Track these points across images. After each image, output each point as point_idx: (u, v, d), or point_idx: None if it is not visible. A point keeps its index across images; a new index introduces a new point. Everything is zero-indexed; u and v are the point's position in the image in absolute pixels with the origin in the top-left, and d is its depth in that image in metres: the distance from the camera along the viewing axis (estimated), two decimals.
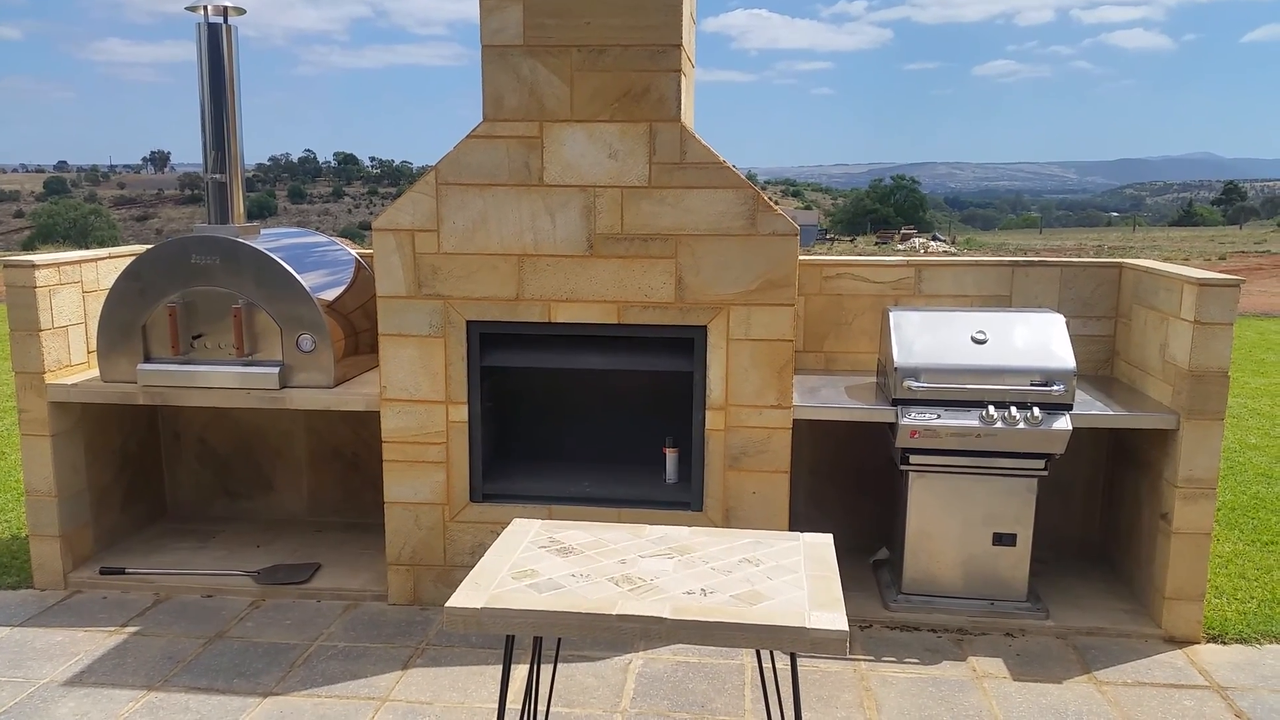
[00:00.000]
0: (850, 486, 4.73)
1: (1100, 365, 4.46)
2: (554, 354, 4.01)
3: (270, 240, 4.42)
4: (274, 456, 5.11)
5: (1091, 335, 4.43)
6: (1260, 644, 3.86)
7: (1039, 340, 3.89)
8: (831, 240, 41.42)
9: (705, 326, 3.88)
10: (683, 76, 3.79)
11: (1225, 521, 5.21)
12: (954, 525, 4.03)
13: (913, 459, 3.98)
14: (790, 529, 4.62)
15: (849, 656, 3.77)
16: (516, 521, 2.88)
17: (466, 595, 2.34)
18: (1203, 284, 3.59)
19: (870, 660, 3.75)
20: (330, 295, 4.37)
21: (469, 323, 3.98)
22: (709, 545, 2.70)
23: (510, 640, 2.40)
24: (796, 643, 2.21)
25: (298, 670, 3.67)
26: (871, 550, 4.61)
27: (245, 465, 5.13)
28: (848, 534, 4.76)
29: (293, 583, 4.34)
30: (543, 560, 2.59)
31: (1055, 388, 3.76)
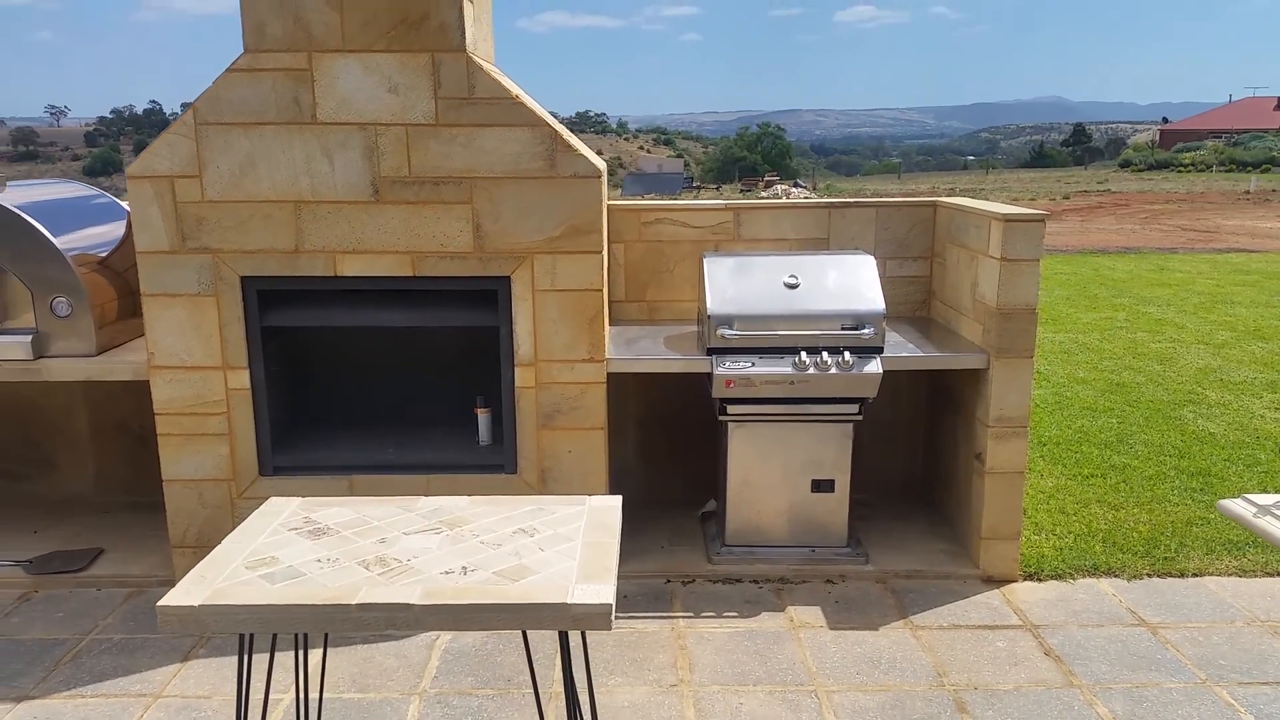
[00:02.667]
0: (680, 438, 4.59)
1: (917, 306, 4.41)
2: (342, 311, 3.68)
3: (19, 194, 3.91)
4: (53, 433, 4.62)
5: (908, 276, 4.37)
6: (1074, 579, 3.90)
7: (850, 283, 3.78)
8: (698, 189, 41.47)
9: (509, 277, 3.62)
10: (468, 3, 3.46)
11: (1050, 457, 5.32)
12: (774, 474, 3.93)
13: (730, 409, 3.84)
14: (615, 486, 4.45)
15: (669, 614, 3.64)
16: (271, 501, 2.59)
17: (185, 592, 2.04)
18: (1008, 220, 3.53)
19: (689, 617, 3.62)
20: (94, 254, 3.91)
21: (244, 279, 3.61)
22: (485, 516, 2.47)
23: (247, 639, 2.13)
24: (558, 620, 2.01)
25: (63, 668, 3.29)
26: (703, 503, 4.49)
27: (21, 444, 4.62)
28: (679, 486, 4.62)
29: (69, 571, 3.93)
30: (288, 545, 2.30)
31: (865, 331, 3.67)
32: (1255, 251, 14.79)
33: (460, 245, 3.57)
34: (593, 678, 3.21)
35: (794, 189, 34.20)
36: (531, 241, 3.57)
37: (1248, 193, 28.58)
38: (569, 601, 2.00)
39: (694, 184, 44.63)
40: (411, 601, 2.02)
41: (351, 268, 3.59)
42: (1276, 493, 2.71)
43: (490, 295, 3.66)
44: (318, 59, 3.44)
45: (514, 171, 3.51)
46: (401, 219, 3.55)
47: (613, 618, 2.01)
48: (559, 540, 2.31)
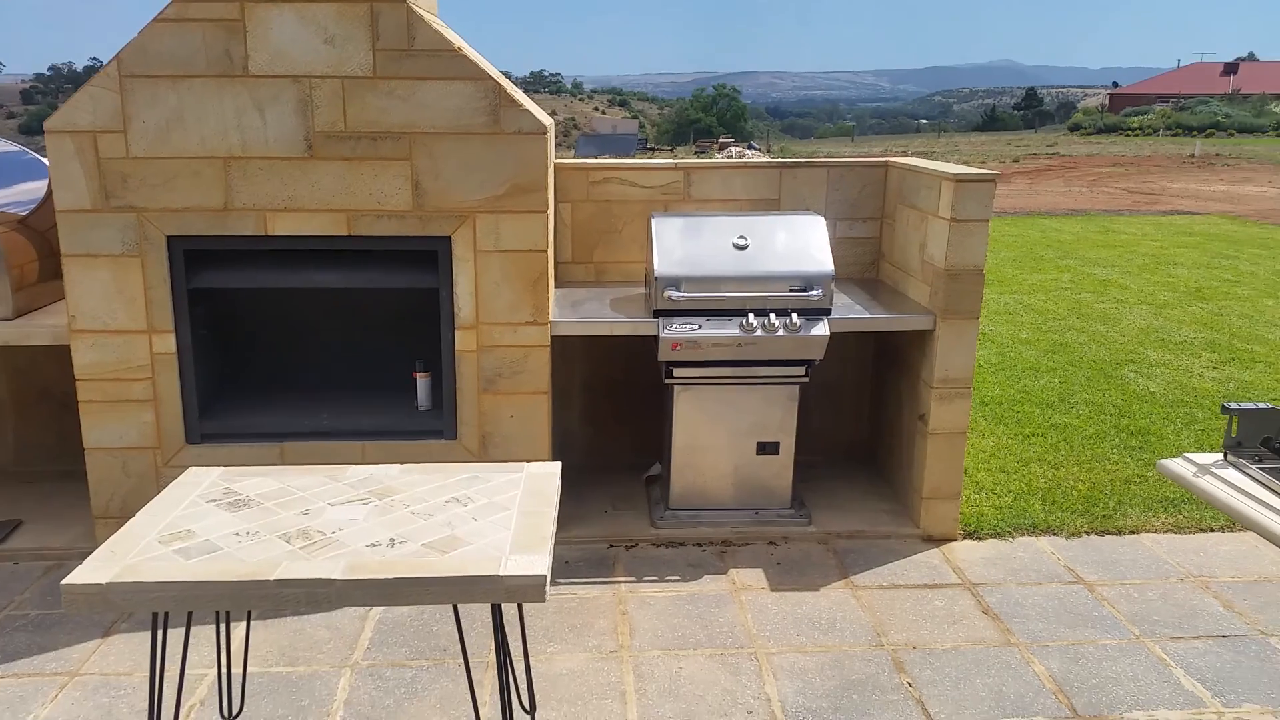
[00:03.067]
0: (627, 401, 4.54)
1: (866, 268, 4.39)
2: (274, 272, 3.56)
3: None
4: None
5: (858, 237, 4.34)
6: (1013, 537, 3.95)
7: (799, 244, 3.74)
8: (652, 150, 41.19)
9: (450, 237, 3.52)
10: None
11: (992, 416, 5.36)
12: (719, 437, 3.90)
13: (676, 372, 3.79)
14: (560, 451, 4.40)
15: (610, 579, 3.61)
16: (190, 471, 2.50)
17: (92, 569, 1.95)
18: (959, 180, 3.50)
19: (631, 581, 3.60)
20: (13, 213, 3.74)
21: (170, 238, 3.47)
22: (416, 485, 2.40)
23: (161, 617, 2.05)
24: (490, 593, 1.96)
25: None
26: (648, 467, 4.46)
27: None
28: (625, 450, 4.59)
29: None
30: (206, 518, 2.22)
31: (813, 292, 3.63)
32: (1198, 214, 15.06)
33: (399, 203, 3.46)
34: (531, 646, 3.18)
35: (748, 151, 34.09)
36: (474, 200, 3.48)
37: (1192, 156, 29.07)
38: (501, 574, 1.96)
39: (649, 145, 44.33)
40: (334, 576, 1.96)
41: (284, 227, 3.47)
42: (1215, 451, 2.73)
43: (430, 256, 3.56)
44: (250, 8, 3.28)
45: (456, 127, 3.40)
46: (337, 176, 3.43)
47: (547, 589, 1.97)
48: (493, 510, 2.26)
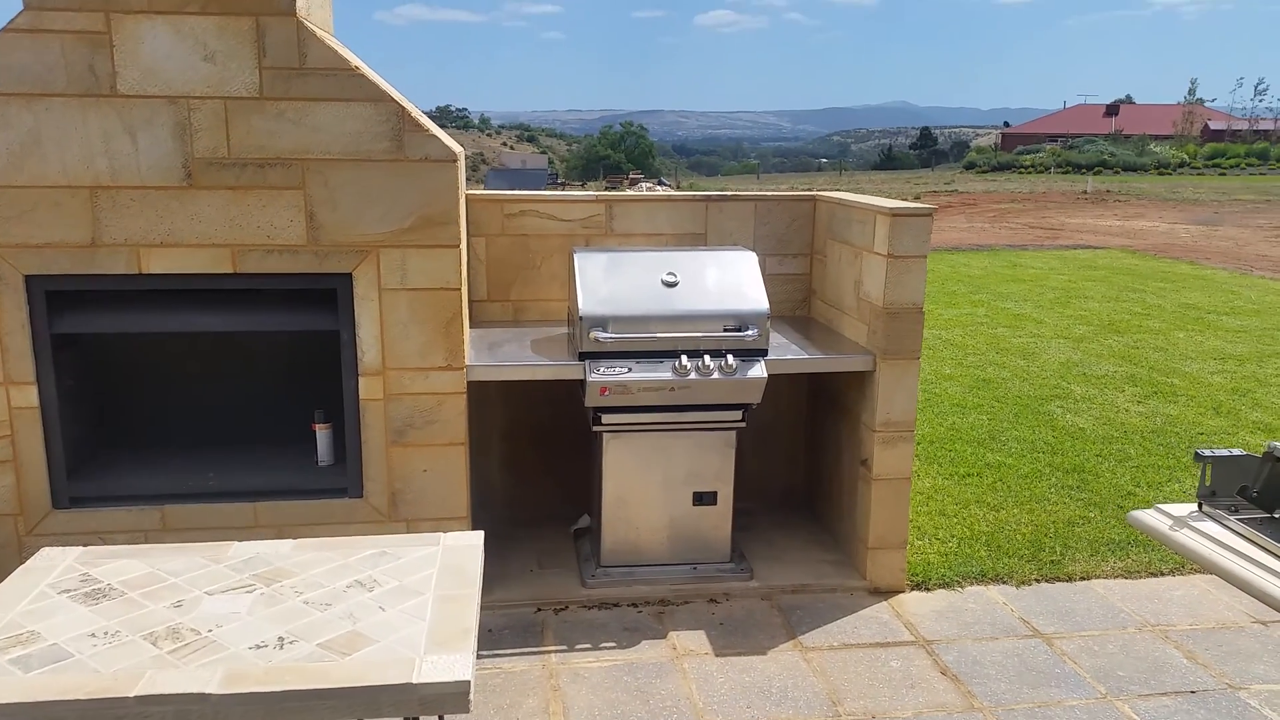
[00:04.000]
0: (552, 449, 4.22)
1: (798, 305, 4.17)
2: (149, 315, 3.15)
3: None
4: None
5: (788, 274, 4.13)
6: (962, 587, 3.74)
7: (731, 281, 3.50)
8: (563, 184, 41.05)
9: (350, 274, 3.17)
10: None
11: (924, 455, 5.20)
12: (653, 487, 3.61)
13: (605, 418, 3.50)
14: (479, 506, 4.05)
15: (539, 649, 3.27)
16: (42, 553, 2.09)
17: None
18: (895, 214, 3.31)
19: (562, 651, 3.26)
20: None
21: (28, 278, 3.04)
22: (312, 566, 2.04)
23: None
24: (402, 704, 1.62)
25: None
26: (576, 518, 4.13)
27: None
28: (552, 501, 4.26)
29: None
30: (56, 614, 1.83)
31: (749, 332, 3.39)
32: (1099, 248, 15.49)
33: (291, 237, 3.10)
34: None
35: (658, 187, 34.22)
36: (377, 234, 3.14)
37: (1085, 193, 30.22)
38: (415, 680, 1.62)
39: (559, 180, 44.17)
40: (208, 691, 1.59)
41: (160, 264, 3.07)
42: (1177, 500, 2.55)
43: (329, 295, 3.20)
44: (118, 20, 2.91)
45: (354, 153, 3.07)
46: (220, 207, 3.05)
47: (471, 695, 1.64)
48: (404, 595, 1.91)
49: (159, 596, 1.91)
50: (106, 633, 1.77)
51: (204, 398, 3.66)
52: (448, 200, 3.14)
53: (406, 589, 1.93)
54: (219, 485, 3.33)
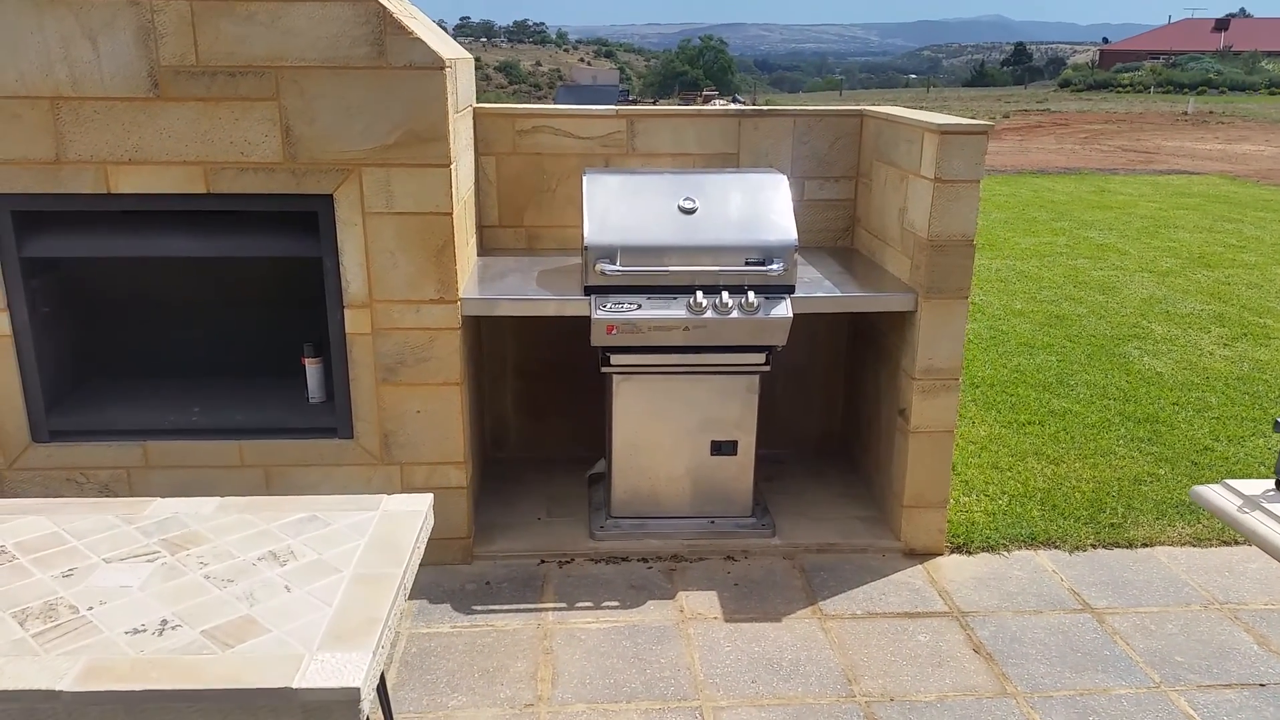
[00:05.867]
0: (568, 387, 3.95)
1: (840, 235, 3.77)
2: (121, 238, 2.93)
3: None
4: None
5: (829, 200, 3.72)
6: (1008, 551, 3.39)
7: (757, 208, 3.13)
8: (635, 102, 40.19)
9: (331, 196, 2.89)
10: None
11: (983, 401, 4.80)
12: (667, 434, 3.32)
13: (614, 359, 3.20)
14: (489, 447, 3.82)
15: (537, 605, 3.05)
16: None
17: None
18: (944, 131, 2.88)
19: (561, 609, 3.03)
20: None
21: None
22: (231, 531, 1.81)
23: None
24: (281, 712, 1.37)
25: None
26: (592, 462, 3.88)
27: None
28: (568, 442, 4.01)
29: None
30: None
31: (773, 266, 3.03)
32: (1196, 174, 14.46)
33: (266, 154, 2.82)
34: (431, 699, 2.62)
35: (732, 104, 33.19)
36: (358, 150, 2.84)
37: (1185, 114, 28.40)
38: (295, 686, 1.37)
39: (631, 97, 43.28)
40: (59, 688, 1.36)
41: (129, 183, 2.83)
42: (1261, 477, 2.17)
43: (309, 218, 2.93)
44: None
45: (331, 59, 2.76)
46: (190, 120, 2.79)
47: (364, 703, 1.38)
48: (318, 572, 1.67)
49: (51, 563, 1.69)
50: None
51: (193, 328, 3.46)
52: (435, 113, 2.82)
53: (324, 564, 1.68)
54: (203, 421, 3.15)
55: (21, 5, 2.68)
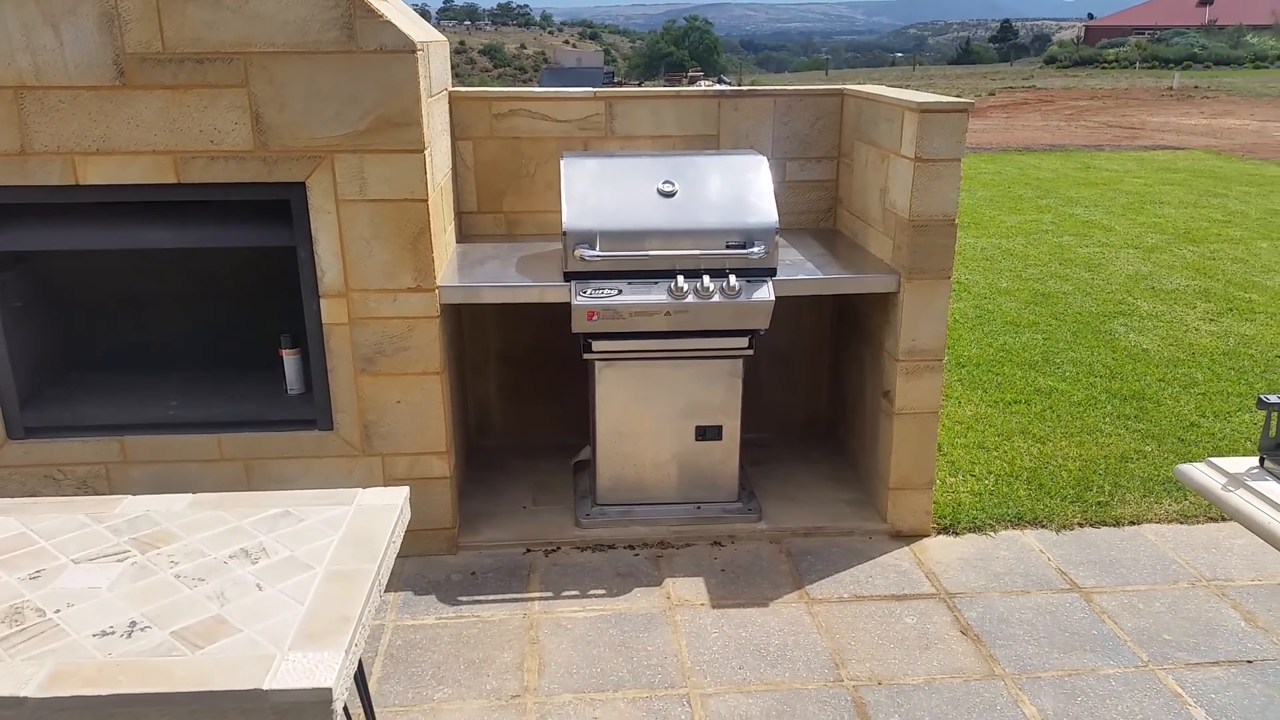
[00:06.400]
0: (553, 373, 3.92)
1: (822, 216, 3.74)
2: (90, 230, 2.87)
3: None
4: None
5: (811, 180, 3.69)
6: (994, 531, 3.38)
7: (738, 190, 3.09)
8: (619, 84, 39.99)
9: (304, 184, 2.84)
10: None
11: (969, 380, 4.78)
12: (651, 420, 3.29)
13: (596, 345, 3.17)
14: (473, 434, 3.79)
15: (523, 595, 3.02)
16: None
17: None
18: (924, 110, 2.85)
19: (547, 598, 3.01)
20: None
21: None
22: (202, 528, 1.77)
23: None
24: (252, 714, 1.34)
25: None
26: (578, 449, 3.85)
27: None
28: (553, 429, 3.98)
29: None
30: None
31: (755, 249, 2.99)
32: (1181, 149, 14.46)
33: (236, 142, 2.77)
34: (415, 691, 2.60)
35: (718, 84, 33.05)
36: (330, 137, 2.79)
37: (1170, 89, 28.39)
38: (266, 687, 1.34)
39: (616, 79, 43.05)
40: (24, 694, 1.33)
41: (97, 174, 2.78)
42: (1244, 454, 2.15)
43: (282, 207, 2.88)
44: None
45: (300, 44, 2.70)
46: (158, 109, 2.73)
47: (337, 703, 1.36)
48: (291, 570, 1.63)
49: (17, 565, 1.66)
50: None
51: (169, 320, 3.41)
52: (407, 98, 2.77)
53: (296, 561, 1.65)
54: (181, 415, 3.10)
55: None
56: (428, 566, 3.17)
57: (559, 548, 3.30)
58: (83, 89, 2.71)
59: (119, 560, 1.67)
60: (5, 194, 2.80)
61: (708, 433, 3.30)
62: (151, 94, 2.72)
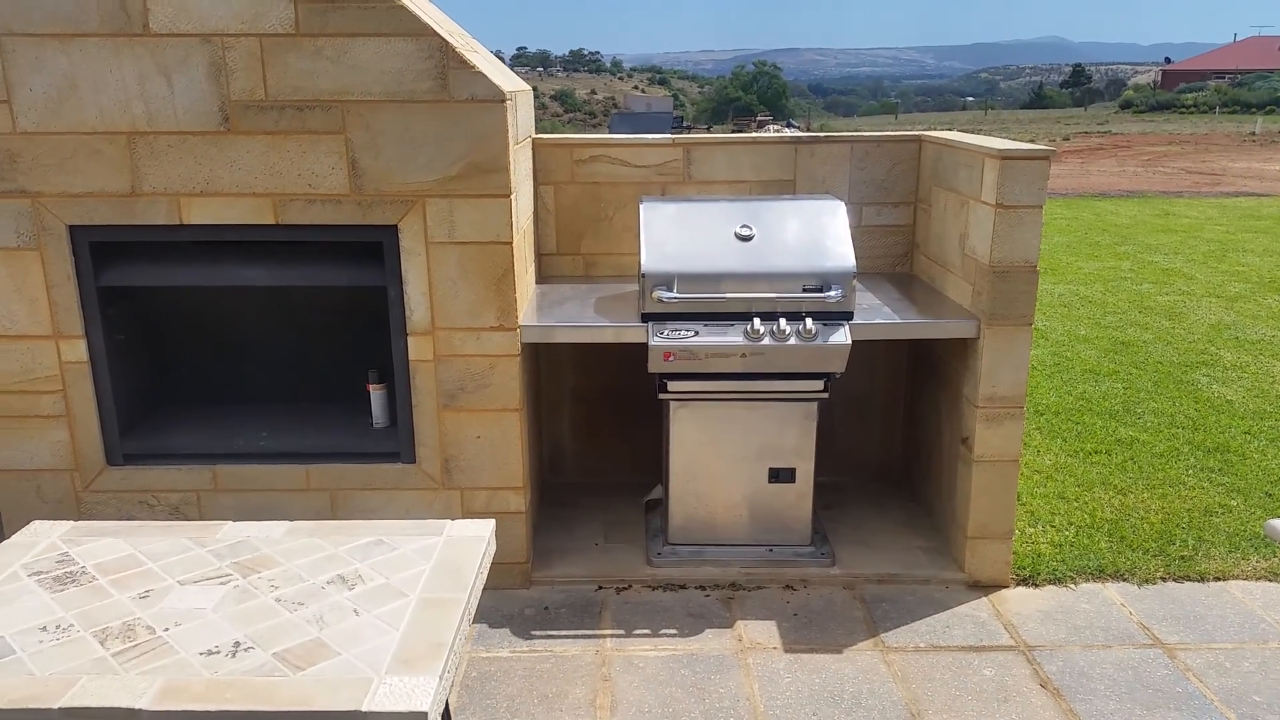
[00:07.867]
0: (626, 412, 3.96)
1: (899, 260, 3.75)
2: (193, 267, 3.02)
3: None
4: None
5: (888, 225, 3.70)
6: (1075, 584, 3.31)
7: (815, 234, 3.12)
8: (689, 128, 40.41)
9: (395, 226, 2.96)
10: None
11: (1047, 429, 4.71)
12: (725, 461, 3.31)
13: (671, 386, 3.21)
14: (546, 472, 3.85)
15: (595, 632, 3.05)
16: (33, 526, 1.96)
17: None
18: (1005, 157, 2.86)
19: (619, 636, 3.03)
20: None
21: (72, 228, 2.94)
22: (300, 554, 1.84)
23: None
24: None
25: None
26: (650, 488, 3.88)
27: None
28: (624, 468, 4.02)
29: None
30: (19, 599, 1.68)
31: (832, 293, 3.01)
32: (1265, 195, 14.09)
33: (333, 186, 2.90)
34: None
35: (787, 129, 33.21)
36: (422, 182, 2.90)
37: (1253, 134, 27.73)
38: (364, 709, 1.39)
39: (685, 124, 43.51)
40: (138, 706, 1.40)
41: (201, 214, 2.93)
42: None
43: (374, 248, 3.00)
44: None
45: (396, 93, 2.83)
46: (259, 154, 2.87)
47: None
48: (386, 596, 1.69)
49: (128, 585, 1.74)
50: (59, 626, 1.61)
51: (261, 354, 3.54)
52: (496, 145, 2.87)
53: (390, 588, 1.71)
54: (270, 446, 3.21)
55: (101, 45, 2.79)
56: (502, 600, 3.22)
57: (630, 585, 3.32)
58: (190, 134, 2.86)
59: (222, 583, 1.74)
60: (116, 232, 2.96)
61: (781, 475, 3.31)
62: (253, 139, 2.87)
